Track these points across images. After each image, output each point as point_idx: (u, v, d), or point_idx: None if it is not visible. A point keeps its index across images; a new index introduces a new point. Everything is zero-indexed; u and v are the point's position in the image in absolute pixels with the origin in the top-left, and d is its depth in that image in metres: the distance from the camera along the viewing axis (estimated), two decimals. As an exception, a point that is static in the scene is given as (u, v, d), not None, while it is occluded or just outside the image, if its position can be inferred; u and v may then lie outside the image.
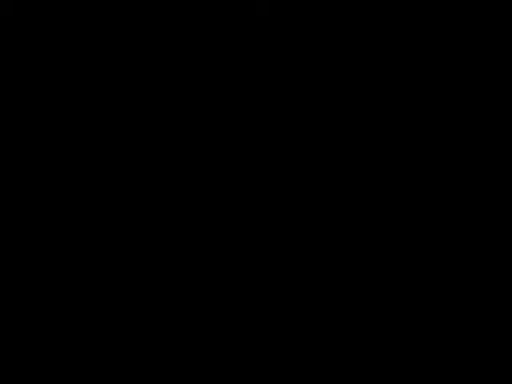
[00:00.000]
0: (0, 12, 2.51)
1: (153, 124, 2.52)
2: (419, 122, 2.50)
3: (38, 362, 2.44)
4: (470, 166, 2.49)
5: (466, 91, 2.51)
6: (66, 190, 2.49)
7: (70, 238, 2.48)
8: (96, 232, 2.48)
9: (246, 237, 2.48)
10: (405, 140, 2.50)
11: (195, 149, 2.51)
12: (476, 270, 2.46)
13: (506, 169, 2.48)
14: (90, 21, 2.53)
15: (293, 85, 2.52)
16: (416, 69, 2.51)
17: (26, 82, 2.52)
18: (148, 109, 2.52)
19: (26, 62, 2.52)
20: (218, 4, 2.52)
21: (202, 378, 2.44)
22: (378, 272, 2.47)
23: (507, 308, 2.44)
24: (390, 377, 2.43)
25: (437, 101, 2.51)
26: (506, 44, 2.50)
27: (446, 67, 2.51)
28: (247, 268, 2.48)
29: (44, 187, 2.49)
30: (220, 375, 2.44)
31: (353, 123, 2.51)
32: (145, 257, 2.48)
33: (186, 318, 2.46)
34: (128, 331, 2.45)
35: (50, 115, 2.51)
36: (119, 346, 2.45)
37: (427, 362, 2.43)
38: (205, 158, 2.51)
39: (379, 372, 2.43)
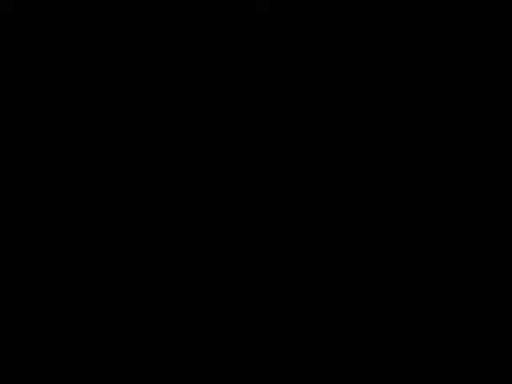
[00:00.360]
0: (0, 12, 2.51)
1: (153, 124, 2.52)
2: (419, 121, 2.50)
3: (38, 362, 2.44)
4: (469, 165, 2.49)
5: (465, 91, 2.51)
6: (66, 190, 2.50)
7: (69, 238, 2.48)
8: (96, 232, 2.48)
9: (245, 236, 2.49)
10: (405, 140, 2.50)
11: (195, 149, 2.51)
12: (476, 269, 2.46)
13: (506, 169, 2.48)
14: (90, 21, 2.53)
15: (293, 85, 2.52)
16: (416, 69, 2.51)
17: (26, 81, 2.52)
18: (148, 109, 2.52)
19: (25, 61, 2.52)
20: (218, 4, 2.53)
21: (202, 378, 2.45)
22: (378, 272, 2.47)
23: (507, 308, 2.44)
24: (390, 377, 2.43)
25: (437, 101, 2.51)
26: (506, 44, 2.50)
27: (445, 67, 2.51)
28: (247, 268, 2.48)
29: (44, 187, 2.49)
30: (220, 375, 2.45)
31: (352, 123, 2.51)
32: (145, 256, 2.48)
33: (186, 318, 2.47)
34: (128, 331, 2.46)
35: (50, 115, 2.51)
36: (119, 345, 2.45)
37: (427, 362, 2.44)
38: (205, 158, 2.51)
39: (379, 372, 2.44)
